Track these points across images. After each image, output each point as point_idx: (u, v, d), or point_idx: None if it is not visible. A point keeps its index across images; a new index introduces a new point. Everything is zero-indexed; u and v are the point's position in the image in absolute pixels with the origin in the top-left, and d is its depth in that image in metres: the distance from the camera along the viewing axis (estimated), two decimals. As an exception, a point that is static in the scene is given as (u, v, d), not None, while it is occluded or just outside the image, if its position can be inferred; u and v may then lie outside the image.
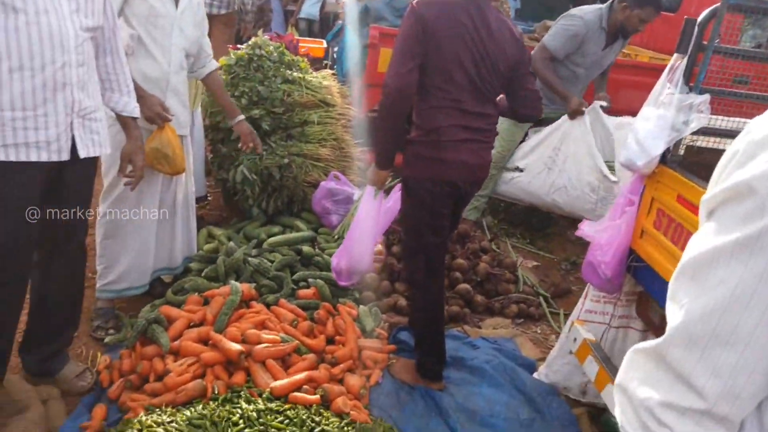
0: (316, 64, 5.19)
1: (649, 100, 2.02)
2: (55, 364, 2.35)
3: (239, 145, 3.21)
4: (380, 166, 2.39)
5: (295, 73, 3.83)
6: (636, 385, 0.74)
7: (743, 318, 0.65)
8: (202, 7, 2.86)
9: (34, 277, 2.23)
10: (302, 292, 2.89)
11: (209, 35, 3.01)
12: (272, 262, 3.04)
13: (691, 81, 1.96)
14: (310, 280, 2.97)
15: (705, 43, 1.89)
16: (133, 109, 2.26)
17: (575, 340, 2.28)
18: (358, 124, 4.06)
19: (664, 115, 1.91)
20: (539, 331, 3.22)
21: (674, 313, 0.72)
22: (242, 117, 3.16)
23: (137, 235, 2.75)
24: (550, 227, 4.54)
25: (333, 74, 4.24)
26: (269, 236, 3.33)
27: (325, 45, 5.52)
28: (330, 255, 3.20)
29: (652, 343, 0.74)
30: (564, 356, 2.50)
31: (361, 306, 2.91)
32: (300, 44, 4.71)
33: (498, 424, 2.33)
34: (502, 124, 3.37)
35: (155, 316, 2.50)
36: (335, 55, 5.43)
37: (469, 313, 3.22)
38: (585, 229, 2.20)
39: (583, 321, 2.36)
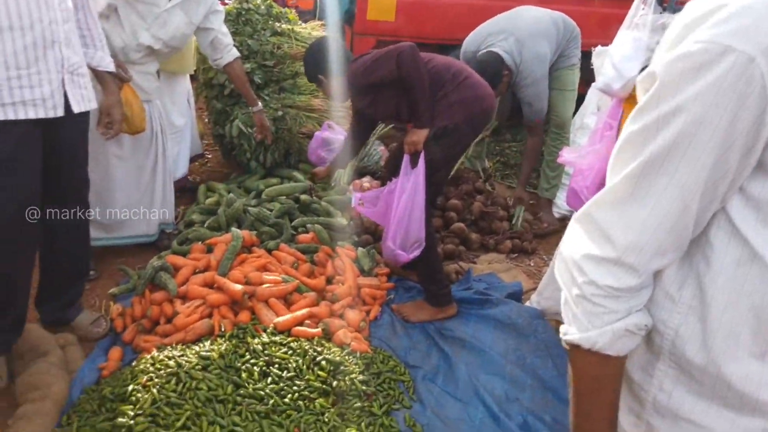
0: (306, 15, 5.17)
1: (624, 23, 2.05)
2: (69, 314, 2.48)
3: (254, 133, 3.42)
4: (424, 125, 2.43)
5: (284, 25, 3.85)
6: (568, 244, 0.84)
7: (655, 179, 0.73)
8: (208, 3, 2.84)
9: (43, 234, 2.33)
10: (302, 236, 2.99)
11: None
12: (271, 210, 3.14)
13: (665, 1, 1.98)
14: (308, 225, 3.07)
15: (676, -39, 1.92)
16: (108, 63, 2.31)
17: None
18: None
19: (638, 37, 1.95)
20: (532, 264, 3.32)
21: (610, 181, 0.81)
22: (260, 107, 3.33)
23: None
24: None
25: (322, 25, 4.25)
26: (267, 187, 3.41)
27: (314, -3, 5.47)
28: (327, 202, 3.30)
29: (585, 206, 0.83)
30: (553, 282, 2.60)
31: (359, 248, 3.02)
32: (288, -3, 4.69)
33: (485, 349, 2.45)
34: None
35: (162, 264, 2.61)
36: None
37: (464, 251, 3.32)
38: (566, 156, 2.26)
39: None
